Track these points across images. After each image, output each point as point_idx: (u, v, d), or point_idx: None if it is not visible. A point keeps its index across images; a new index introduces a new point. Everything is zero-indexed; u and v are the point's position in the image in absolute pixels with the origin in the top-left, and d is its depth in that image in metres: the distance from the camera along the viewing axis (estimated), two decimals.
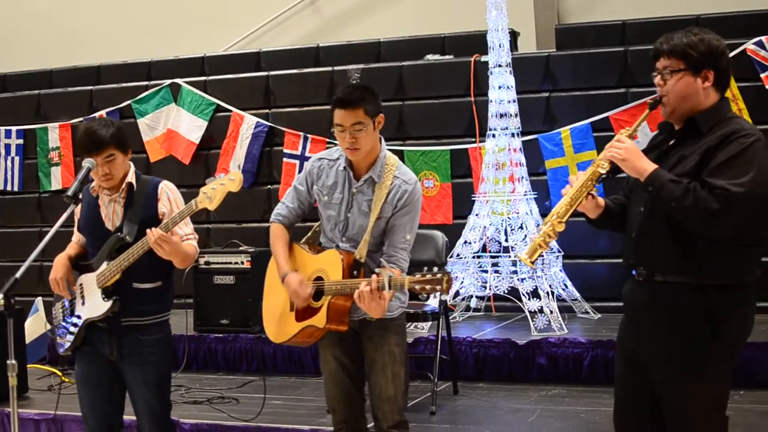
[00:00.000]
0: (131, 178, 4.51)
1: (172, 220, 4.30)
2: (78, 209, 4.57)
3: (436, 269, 3.91)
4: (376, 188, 4.31)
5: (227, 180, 4.23)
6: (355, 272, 4.24)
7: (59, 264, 4.55)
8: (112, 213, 4.50)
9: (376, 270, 4.05)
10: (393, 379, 4.33)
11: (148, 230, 4.27)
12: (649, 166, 3.55)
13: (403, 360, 4.38)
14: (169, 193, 4.54)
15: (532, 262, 3.71)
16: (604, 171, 3.68)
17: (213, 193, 4.22)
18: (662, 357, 3.61)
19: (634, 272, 3.75)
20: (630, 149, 3.60)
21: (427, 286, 3.91)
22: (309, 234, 4.61)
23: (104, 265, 4.42)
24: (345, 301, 4.23)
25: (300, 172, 9.10)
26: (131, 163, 4.57)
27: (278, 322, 4.50)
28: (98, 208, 4.53)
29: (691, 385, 3.56)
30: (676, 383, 3.58)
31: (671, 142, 3.69)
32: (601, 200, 3.83)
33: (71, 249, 4.64)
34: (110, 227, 4.49)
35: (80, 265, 4.58)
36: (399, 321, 4.43)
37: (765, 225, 3.54)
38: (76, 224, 4.66)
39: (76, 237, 4.68)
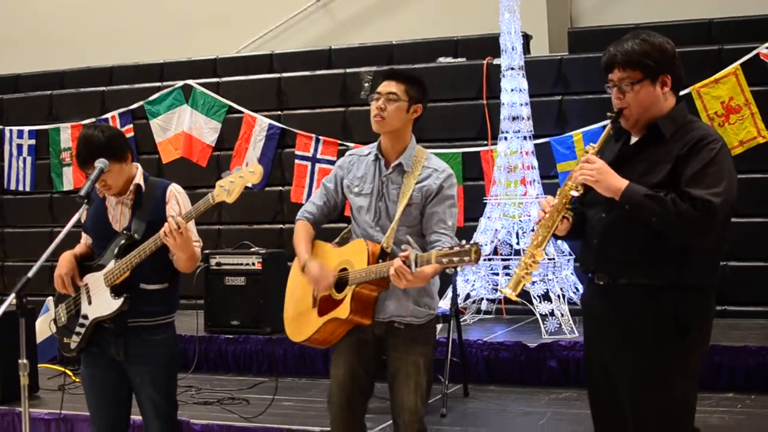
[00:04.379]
0: (139, 179, 4.48)
1: (188, 214, 4.25)
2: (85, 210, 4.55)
3: (464, 241, 3.84)
4: (405, 177, 4.27)
5: (246, 172, 4.15)
6: (380, 261, 4.14)
7: (64, 261, 4.50)
8: (119, 214, 4.48)
9: (402, 246, 3.98)
10: (415, 389, 4.24)
11: (169, 217, 4.20)
12: (621, 184, 3.47)
13: (426, 369, 4.28)
14: (177, 196, 4.50)
15: (517, 295, 3.65)
16: (577, 194, 3.61)
17: (231, 186, 4.15)
18: (628, 362, 3.53)
19: (590, 276, 3.69)
20: (601, 169, 3.53)
21: (455, 259, 3.81)
22: (338, 239, 4.53)
23: (112, 263, 4.40)
24: (370, 291, 4.16)
25: (311, 173, 9.18)
26: (138, 165, 4.54)
27: (299, 321, 4.41)
28: (105, 209, 4.51)
29: (658, 391, 3.47)
30: (642, 390, 3.50)
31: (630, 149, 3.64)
32: (570, 219, 3.74)
33: (78, 248, 4.61)
34: (117, 228, 4.46)
35: (85, 265, 4.54)
36: (427, 329, 4.33)
37: (728, 227, 3.52)
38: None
39: (85, 238, 4.66)
